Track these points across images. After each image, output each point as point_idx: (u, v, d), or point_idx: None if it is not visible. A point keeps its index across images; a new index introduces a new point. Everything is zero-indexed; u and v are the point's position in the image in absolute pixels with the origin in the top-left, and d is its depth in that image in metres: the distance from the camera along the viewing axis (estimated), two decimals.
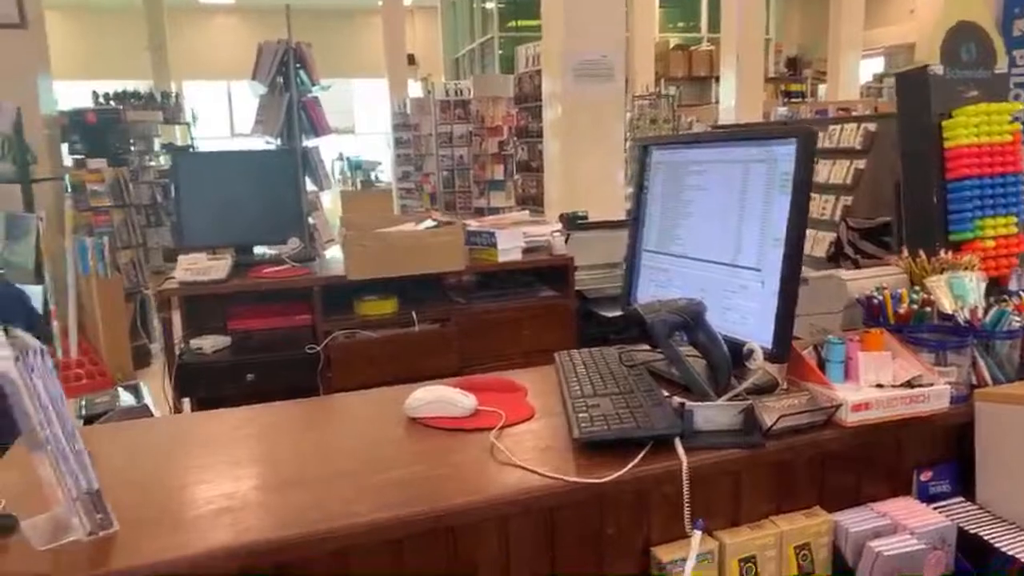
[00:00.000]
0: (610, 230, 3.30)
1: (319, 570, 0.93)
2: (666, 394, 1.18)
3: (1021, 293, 1.36)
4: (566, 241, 3.01)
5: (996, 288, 1.45)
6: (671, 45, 11.98)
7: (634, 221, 1.52)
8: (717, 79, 9.38)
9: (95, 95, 7.99)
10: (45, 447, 0.83)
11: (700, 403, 1.09)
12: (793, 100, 11.06)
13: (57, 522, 0.88)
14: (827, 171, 4.89)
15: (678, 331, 1.16)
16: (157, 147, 7.80)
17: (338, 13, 14.68)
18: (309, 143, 4.25)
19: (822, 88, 11.73)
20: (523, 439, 1.13)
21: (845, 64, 10.65)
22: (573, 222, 3.26)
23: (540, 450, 1.09)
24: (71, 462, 0.84)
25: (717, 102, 8.78)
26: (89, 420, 2.98)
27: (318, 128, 4.31)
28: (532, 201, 6.47)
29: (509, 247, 2.84)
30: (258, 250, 3.01)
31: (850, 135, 4.75)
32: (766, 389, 1.20)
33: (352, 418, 1.33)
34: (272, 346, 2.64)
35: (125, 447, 1.21)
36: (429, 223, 2.87)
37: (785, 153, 1.16)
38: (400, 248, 2.67)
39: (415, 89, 12.86)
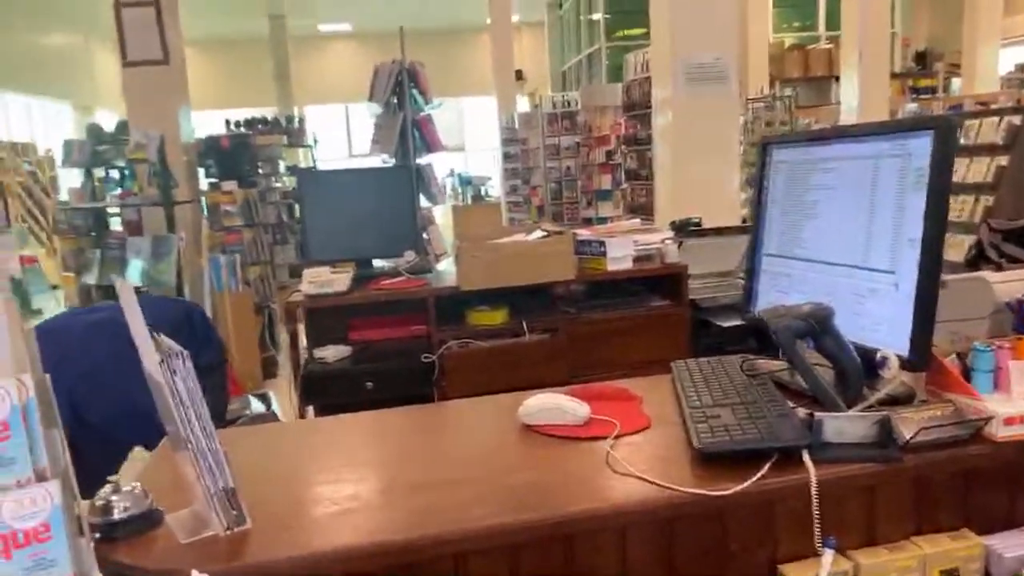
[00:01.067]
0: (725, 236, 3.20)
1: (438, 572, 0.94)
2: (792, 405, 1.12)
3: None
4: (679, 248, 2.94)
5: None
6: (786, 45, 11.54)
7: (754, 224, 1.46)
8: (837, 79, 8.94)
9: (227, 123, 8.58)
10: (186, 445, 0.88)
11: (830, 414, 1.03)
12: (923, 96, 10.37)
13: (197, 517, 0.93)
14: (964, 170, 4.56)
15: (804, 338, 1.10)
16: (282, 169, 8.27)
17: (447, 33, 15.12)
18: (422, 160, 4.39)
19: (956, 82, 10.93)
20: (639, 449, 1.11)
21: (982, 55, 9.89)
22: (685, 229, 3.18)
23: (657, 460, 1.06)
24: (209, 460, 0.90)
25: (837, 103, 8.36)
26: (222, 426, 3.18)
27: (431, 145, 4.45)
28: (641, 210, 6.38)
29: (619, 256, 2.81)
30: (376, 263, 3.13)
31: (990, 130, 4.41)
32: (902, 400, 1.12)
33: (468, 424, 1.34)
34: (389, 355, 2.72)
35: (255, 449, 1.27)
36: (539, 233, 2.88)
37: (920, 146, 1.08)
38: (510, 258, 2.69)
39: (523, 104, 13.03)
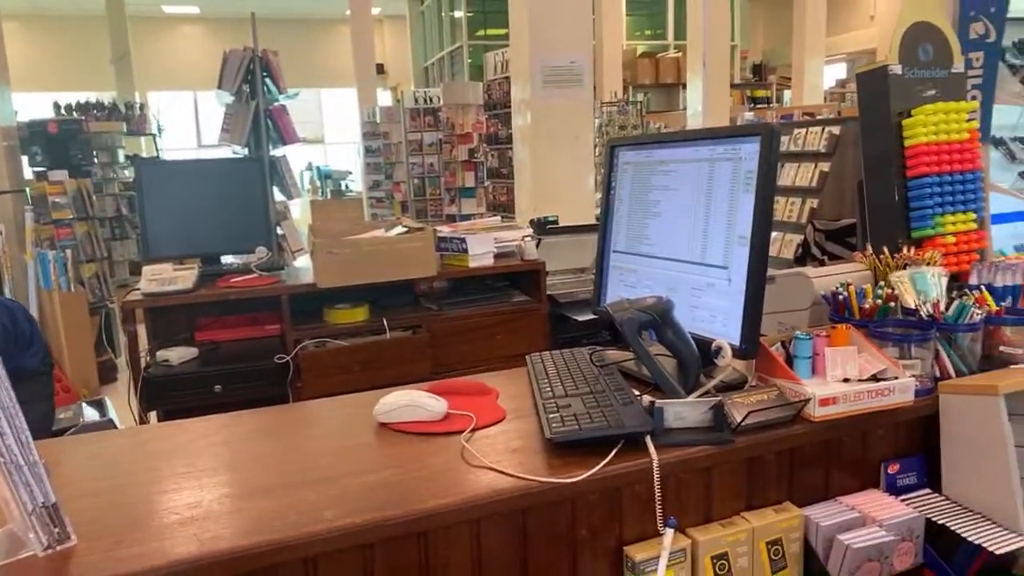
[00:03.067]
0: (580, 234, 3.31)
1: None
2: (637, 393, 1.18)
3: (982, 287, 1.38)
4: (537, 246, 3.01)
5: (957, 283, 1.47)
6: (638, 52, 12.09)
7: (603, 222, 1.52)
8: (684, 86, 9.48)
9: (56, 106, 7.85)
10: None
11: (670, 400, 1.10)
12: (759, 106, 11.22)
13: (12, 537, 0.85)
14: (793, 174, 4.96)
15: (647, 329, 1.16)
16: (122, 159, 7.68)
17: (305, 23, 14.60)
18: (276, 152, 4.22)
19: (787, 94, 11.91)
20: (495, 441, 1.12)
21: (809, 70, 10.84)
22: (543, 227, 3.26)
23: (511, 452, 1.08)
24: (26, 474, 0.82)
25: (685, 108, 8.87)
26: (49, 436, 2.91)
27: (285, 137, 4.28)
28: (503, 208, 6.48)
29: (480, 252, 2.84)
30: (225, 260, 2.97)
31: (815, 138, 4.82)
32: (735, 386, 1.21)
33: (321, 425, 1.31)
34: (240, 356, 2.60)
35: (86, 459, 1.17)
36: (399, 229, 2.85)
37: (749, 151, 1.17)
38: (370, 255, 2.65)
39: (384, 98, 12.83)
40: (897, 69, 1.59)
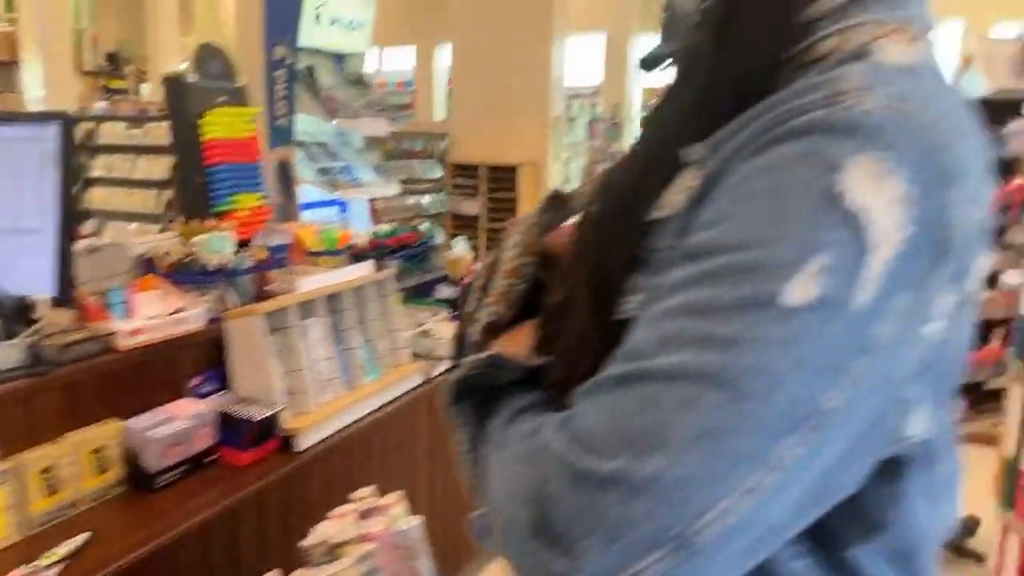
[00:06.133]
0: None
1: None
2: None
3: (263, 245, 1.90)
4: None
5: (247, 243, 1.96)
6: None
7: None
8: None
9: None
10: None
11: None
12: (116, 96, 10.80)
13: None
14: (147, 166, 5.12)
15: None
16: None
17: None
18: None
19: (145, 87, 11.76)
20: None
21: (166, 66, 10.93)
22: None
23: None
24: None
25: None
26: None
27: None
28: None
29: None
30: None
31: (163, 132, 5.07)
32: (56, 332, 1.42)
33: None
34: None
35: None
36: None
37: (51, 133, 1.39)
38: None
39: None
40: (194, 78, 2.00)
